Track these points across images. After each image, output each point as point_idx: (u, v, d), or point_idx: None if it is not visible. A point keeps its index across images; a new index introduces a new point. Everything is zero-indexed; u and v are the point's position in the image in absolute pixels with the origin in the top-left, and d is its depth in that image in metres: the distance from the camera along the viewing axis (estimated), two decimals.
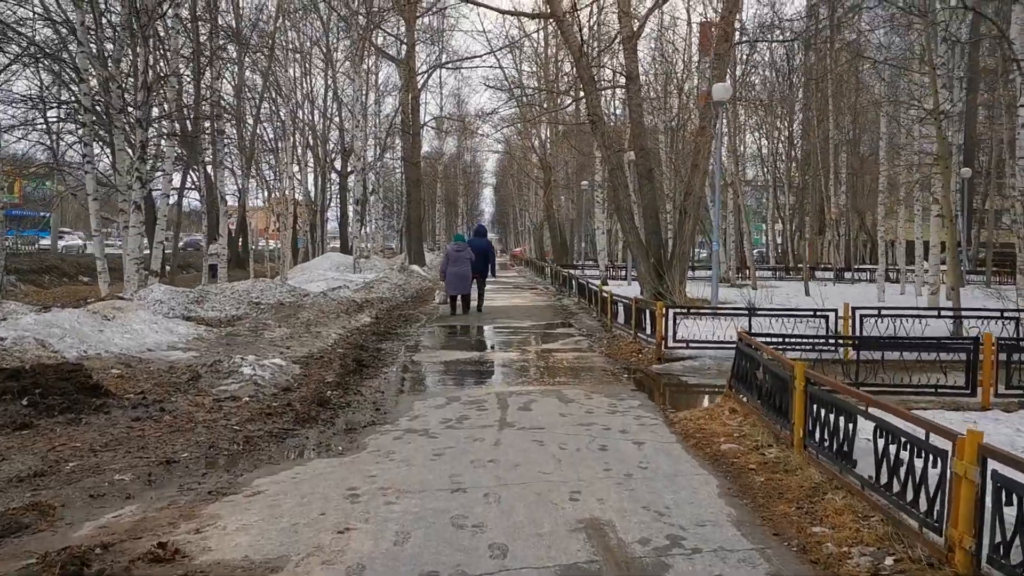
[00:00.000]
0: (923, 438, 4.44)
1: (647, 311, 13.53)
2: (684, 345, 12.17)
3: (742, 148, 38.46)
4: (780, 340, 9.16)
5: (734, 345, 11.68)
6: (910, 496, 4.54)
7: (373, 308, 19.42)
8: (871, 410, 5.08)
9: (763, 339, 8.54)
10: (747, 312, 12.58)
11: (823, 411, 5.81)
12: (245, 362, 10.02)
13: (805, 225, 41.72)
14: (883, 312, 12.16)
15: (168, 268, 32.24)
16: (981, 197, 37.19)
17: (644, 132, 21.24)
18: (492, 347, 14.39)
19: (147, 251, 21.36)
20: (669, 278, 18.30)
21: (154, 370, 10.27)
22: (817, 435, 5.89)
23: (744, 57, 32.57)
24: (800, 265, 40.53)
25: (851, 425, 5.35)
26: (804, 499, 5.45)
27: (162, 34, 23.08)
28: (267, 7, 34.20)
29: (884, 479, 4.84)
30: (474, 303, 20.16)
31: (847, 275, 36.06)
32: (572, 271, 31.51)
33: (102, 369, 9.96)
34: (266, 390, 9.19)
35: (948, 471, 4.17)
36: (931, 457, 4.34)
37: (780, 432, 6.73)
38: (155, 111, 21.32)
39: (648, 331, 13.24)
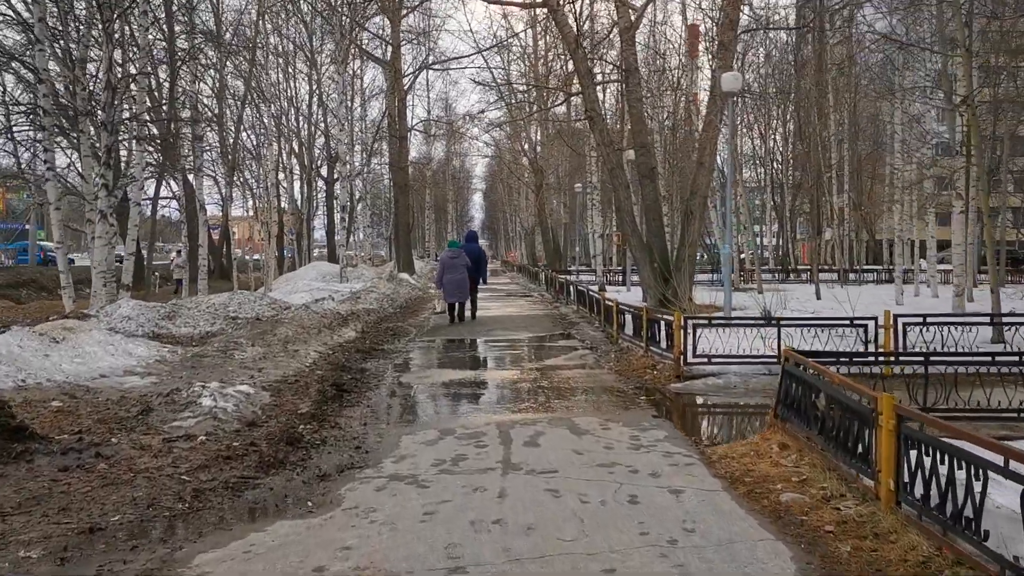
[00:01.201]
0: None
1: (660, 322, 12.18)
2: (706, 360, 10.79)
3: (741, 147, 37.21)
4: (833, 360, 7.77)
5: (763, 360, 10.48)
6: None
7: (359, 321, 18.04)
8: (1012, 465, 3.76)
9: (809, 355, 7.17)
10: (774, 322, 11.23)
11: (926, 458, 4.48)
12: (206, 391, 8.61)
13: (804, 225, 40.57)
14: (928, 320, 10.88)
15: (146, 279, 30.93)
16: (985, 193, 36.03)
17: (645, 128, 19.95)
18: (489, 364, 13.05)
19: (117, 263, 19.98)
20: (677, 282, 17.03)
21: (101, 401, 8.93)
22: (918, 489, 4.56)
23: (740, 56, 31.34)
24: (800, 267, 39.44)
25: (978, 482, 4.01)
26: None
27: (135, 31, 21.71)
28: (249, 11, 32.89)
29: None
30: (468, 312, 18.93)
31: (852, 276, 34.84)
32: (568, 277, 30.18)
33: (41, 402, 8.64)
34: (227, 426, 7.81)
35: None
36: None
37: (854, 478, 5.41)
38: (125, 113, 19.89)
39: (663, 345, 11.88)
